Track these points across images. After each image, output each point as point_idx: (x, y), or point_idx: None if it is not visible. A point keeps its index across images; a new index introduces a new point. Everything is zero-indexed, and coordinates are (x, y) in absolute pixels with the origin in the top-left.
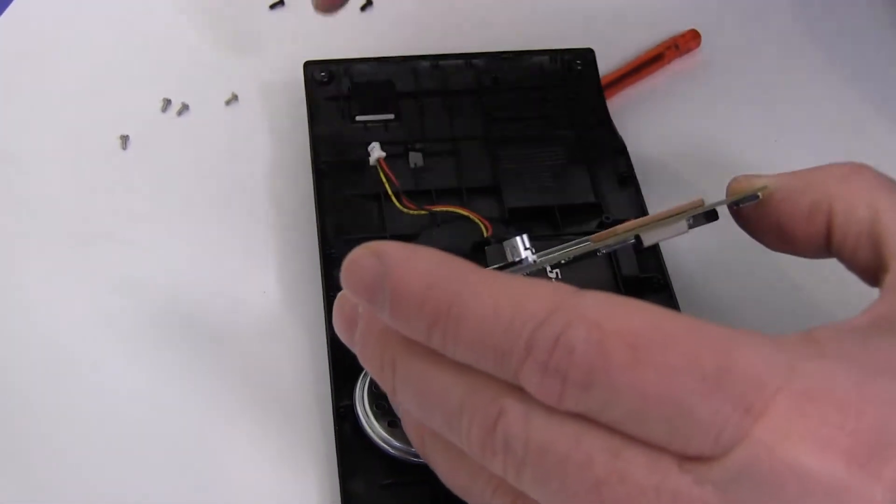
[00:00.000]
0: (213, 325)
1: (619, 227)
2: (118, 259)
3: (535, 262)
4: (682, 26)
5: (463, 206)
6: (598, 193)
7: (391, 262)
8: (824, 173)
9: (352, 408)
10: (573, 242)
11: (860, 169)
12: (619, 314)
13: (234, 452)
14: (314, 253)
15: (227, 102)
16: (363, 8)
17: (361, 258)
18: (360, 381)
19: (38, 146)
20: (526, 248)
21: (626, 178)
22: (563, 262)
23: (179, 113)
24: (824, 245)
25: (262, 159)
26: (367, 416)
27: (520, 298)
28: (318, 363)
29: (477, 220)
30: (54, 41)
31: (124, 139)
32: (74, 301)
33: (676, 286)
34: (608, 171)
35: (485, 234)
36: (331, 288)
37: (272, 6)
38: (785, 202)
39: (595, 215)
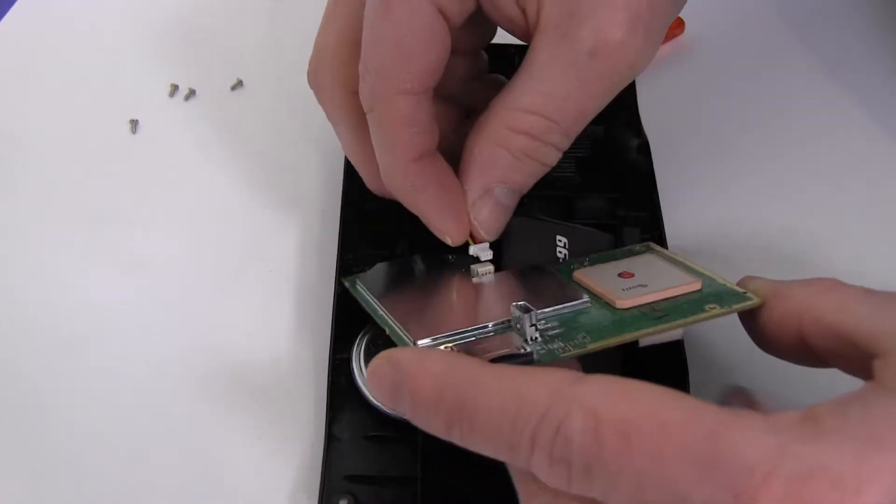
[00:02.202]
0: (217, 299)
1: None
2: (127, 239)
3: (535, 348)
4: None
5: None
6: (616, 188)
7: (406, 370)
8: (802, 285)
9: (348, 361)
10: (573, 304)
11: (838, 285)
12: (615, 401)
13: (231, 403)
14: (325, 224)
15: (233, 88)
16: None
17: (380, 369)
18: (358, 338)
19: (52, 132)
20: (532, 325)
21: (645, 175)
22: (561, 354)
23: (187, 98)
24: (803, 352)
25: (265, 141)
26: (362, 371)
27: (523, 392)
28: (321, 320)
29: None
30: (65, 29)
31: (134, 124)
32: (83, 280)
33: None
34: (629, 166)
35: None
36: (346, 250)
37: None
38: (764, 309)
39: (610, 209)
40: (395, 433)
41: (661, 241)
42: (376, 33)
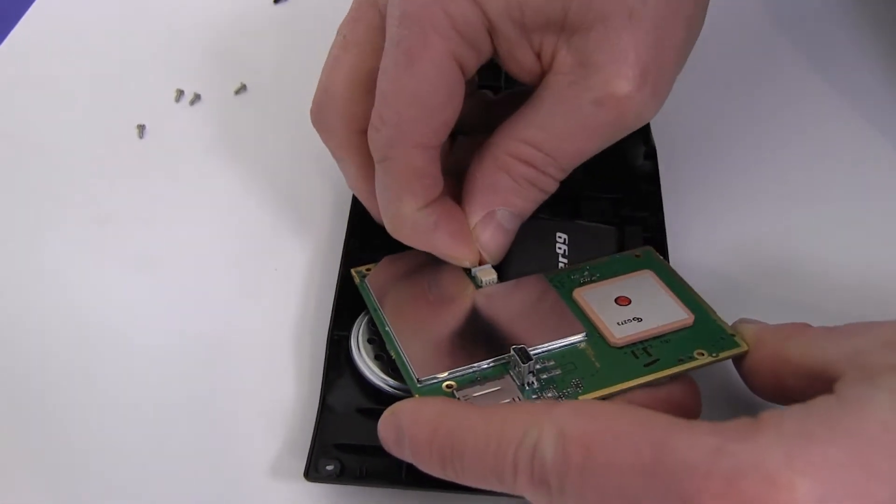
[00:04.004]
0: (223, 296)
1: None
2: (136, 241)
3: (530, 398)
4: None
5: None
6: (621, 190)
7: (404, 418)
8: (773, 331)
9: (346, 338)
10: (570, 339)
11: (804, 327)
12: (580, 419)
13: (235, 380)
14: (330, 223)
15: (237, 92)
16: None
17: (385, 420)
18: (359, 317)
19: (62, 137)
20: (530, 372)
21: (650, 179)
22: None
23: (192, 103)
24: (782, 394)
25: (269, 143)
26: (359, 347)
27: (503, 424)
28: (324, 308)
29: None
30: (73, 38)
31: (141, 128)
32: (94, 280)
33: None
34: (635, 171)
35: None
36: (353, 227)
37: (276, 0)
38: (745, 355)
39: (614, 210)
40: (385, 407)
41: (663, 242)
42: (396, 85)
